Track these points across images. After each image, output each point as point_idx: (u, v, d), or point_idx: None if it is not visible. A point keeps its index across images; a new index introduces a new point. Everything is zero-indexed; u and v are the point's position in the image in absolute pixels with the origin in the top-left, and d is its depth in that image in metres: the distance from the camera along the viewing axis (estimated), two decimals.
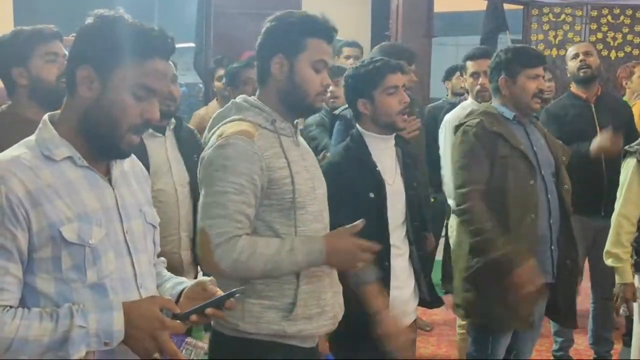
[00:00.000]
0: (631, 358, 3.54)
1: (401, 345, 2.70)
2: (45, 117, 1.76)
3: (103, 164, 1.77)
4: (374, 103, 2.85)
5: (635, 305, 3.42)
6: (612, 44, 7.64)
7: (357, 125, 2.92)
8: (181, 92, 3.47)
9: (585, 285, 4.66)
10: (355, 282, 2.63)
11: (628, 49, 7.65)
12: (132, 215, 1.79)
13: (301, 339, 2.30)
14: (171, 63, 3.29)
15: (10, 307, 1.59)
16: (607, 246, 3.42)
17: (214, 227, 2.15)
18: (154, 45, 1.71)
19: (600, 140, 4.06)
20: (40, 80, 2.70)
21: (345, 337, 2.66)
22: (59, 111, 1.76)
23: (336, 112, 3.85)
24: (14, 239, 1.59)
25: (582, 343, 4.78)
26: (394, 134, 2.93)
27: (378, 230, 2.76)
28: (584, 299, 4.65)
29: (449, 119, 4.20)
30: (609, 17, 7.66)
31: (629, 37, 7.64)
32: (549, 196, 3.23)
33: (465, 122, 3.30)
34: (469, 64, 4.22)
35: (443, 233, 5.58)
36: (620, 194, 3.40)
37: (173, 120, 3.31)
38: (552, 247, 3.25)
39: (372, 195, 2.77)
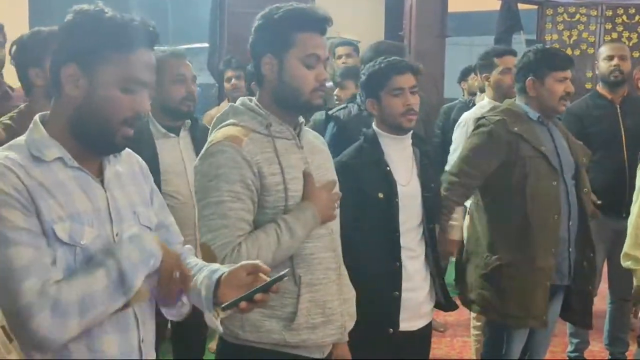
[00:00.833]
0: None
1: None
2: (36, 117, 1.73)
3: (95, 165, 1.74)
4: (381, 104, 2.85)
5: None
6: (627, 44, 7.57)
7: (373, 125, 2.91)
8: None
9: (602, 286, 4.64)
10: None
11: None
12: (124, 218, 1.75)
13: (307, 349, 2.24)
14: (189, 63, 3.33)
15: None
16: (625, 248, 3.39)
17: (217, 240, 2.08)
18: (136, 36, 1.67)
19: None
20: None
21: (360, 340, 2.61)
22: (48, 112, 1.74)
23: (330, 112, 3.80)
24: (37, 225, 1.57)
25: (596, 344, 4.75)
26: (410, 134, 2.90)
27: (387, 231, 2.77)
28: (600, 300, 4.63)
29: (466, 118, 4.20)
30: (624, 17, 7.61)
31: None
32: (569, 198, 3.22)
33: (486, 116, 3.30)
34: (498, 60, 4.22)
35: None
36: (637, 197, 3.38)
37: (188, 120, 3.33)
38: (570, 250, 3.24)
39: (381, 195, 2.76)
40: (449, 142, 4.42)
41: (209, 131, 2.32)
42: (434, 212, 2.98)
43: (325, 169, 2.35)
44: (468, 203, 4.10)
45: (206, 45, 7.18)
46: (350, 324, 2.36)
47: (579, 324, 3.63)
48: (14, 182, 1.57)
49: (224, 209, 2.09)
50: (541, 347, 3.48)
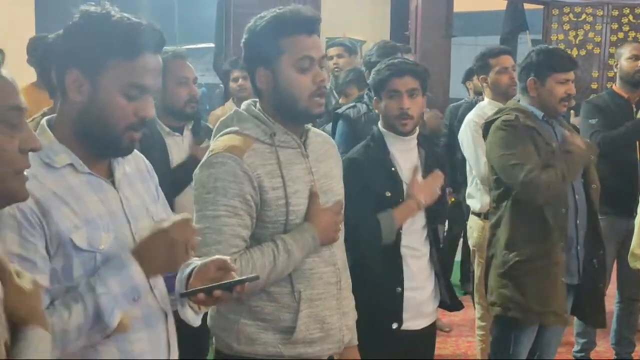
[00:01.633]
0: None
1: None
2: (43, 121, 1.71)
3: (104, 167, 1.73)
4: (381, 104, 2.86)
5: None
6: None
7: (379, 124, 2.92)
8: (200, 92, 3.52)
9: (610, 286, 4.63)
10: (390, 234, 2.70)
11: None
12: (139, 216, 1.75)
13: None
14: (190, 65, 3.35)
15: None
16: (632, 248, 3.39)
17: (210, 255, 1.93)
18: (142, 41, 1.64)
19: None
20: None
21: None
22: (54, 115, 1.72)
23: (339, 110, 3.82)
24: (35, 249, 1.56)
25: (602, 344, 4.74)
26: (416, 135, 2.90)
27: None
28: (608, 300, 4.61)
29: (469, 119, 4.20)
30: (631, 17, 7.58)
31: None
32: (577, 196, 3.22)
33: (497, 118, 3.28)
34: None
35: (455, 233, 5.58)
36: None
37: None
38: (578, 248, 3.23)
39: (388, 194, 2.77)
40: (456, 142, 4.42)
41: (212, 134, 2.29)
42: (438, 213, 2.98)
43: (331, 177, 2.29)
44: (477, 207, 4.12)
45: (212, 45, 7.20)
46: (348, 337, 2.33)
47: (592, 322, 3.63)
48: None
49: (219, 224, 2.05)
50: (550, 347, 3.46)
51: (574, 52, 7.47)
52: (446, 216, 4.80)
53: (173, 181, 3.01)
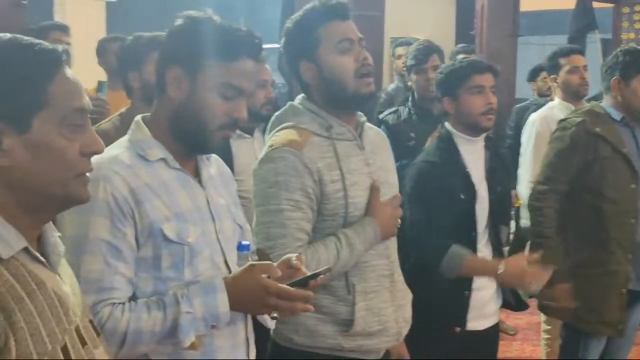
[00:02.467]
0: None
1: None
2: (138, 118, 1.79)
3: (192, 166, 1.80)
4: (458, 101, 2.83)
5: None
6: None
7: (446, 124, 2.90)
8: (275, 94, 3.57)
9: None
10: (449, 272, 2.66)
11: None
12: (222, 215, 1.81)
13: (362, 353, 2.22)
14: (268, 68, 3.40)
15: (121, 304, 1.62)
16: None
17: (275, 249, 2.03)
18: (240, 45, 1.73)
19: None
20: (150, 85, 2.81)
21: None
22: (148, 114, 1.80)
23: (381, 116, 3.84)
24: (124, 237, 1.63)
25: None
26: (484, 136, 2.89)
27: (466, 230, 2.78)
28: None
29: (534, 119, 4.16)
30: None
31: None
32: None
33: (567, 118, 3.25)
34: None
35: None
36: None
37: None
38: None
39: (462, 196, 2.76)
40: (519, 142, 4.37)
41: (267, 129, 2.32)
42: (499, 215, 2.95)
43: (386, 169, 2.33)
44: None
45: (277, 46, 7.25)
46: (406, 329, 2.34)
47: None
48: (118, 187, 1.63)
49: (282, 218, 2.07)
50: (620, 352, 3.40)
51: None
52: (510, 218, 4.74)
53: None
